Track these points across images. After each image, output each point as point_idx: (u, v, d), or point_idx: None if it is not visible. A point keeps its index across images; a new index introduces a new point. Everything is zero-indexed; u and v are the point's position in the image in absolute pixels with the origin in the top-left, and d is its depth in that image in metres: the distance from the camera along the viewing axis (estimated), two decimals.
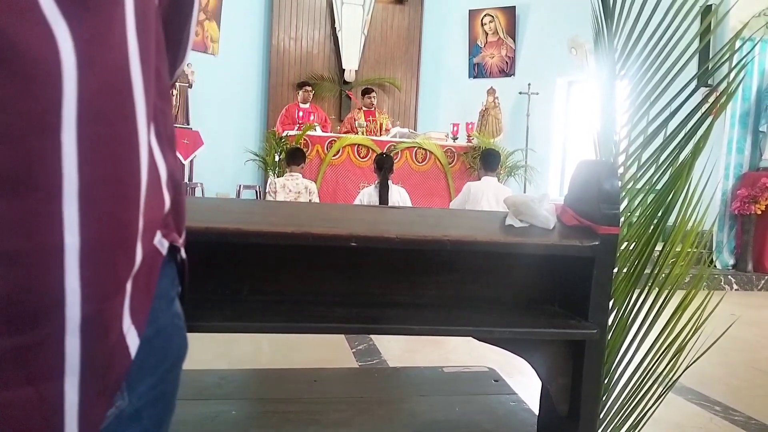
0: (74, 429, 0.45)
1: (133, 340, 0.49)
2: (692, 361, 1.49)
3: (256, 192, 8.20)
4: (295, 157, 5.32)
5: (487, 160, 5.15)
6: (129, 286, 0.48)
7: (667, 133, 1.56)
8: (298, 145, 6.08)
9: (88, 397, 0.45)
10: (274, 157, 6.67)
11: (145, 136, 0.48)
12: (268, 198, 5.23)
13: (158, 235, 0.53)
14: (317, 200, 5.36)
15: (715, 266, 5.99)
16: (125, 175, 0.46)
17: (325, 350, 3.12)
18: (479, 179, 5.08)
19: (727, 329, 1.67)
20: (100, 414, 0.47)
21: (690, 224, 1.53)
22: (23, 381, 0.42)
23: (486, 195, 4.87)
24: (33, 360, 0.42)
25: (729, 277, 5.74)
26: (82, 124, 0.42)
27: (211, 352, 2.97)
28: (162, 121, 0.53)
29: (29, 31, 0.39)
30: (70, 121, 0.41)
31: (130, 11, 0.46)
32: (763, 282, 5.82)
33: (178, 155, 7.26)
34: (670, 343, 1.52)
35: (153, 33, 0.50)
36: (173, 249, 0.57)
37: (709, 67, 1.57)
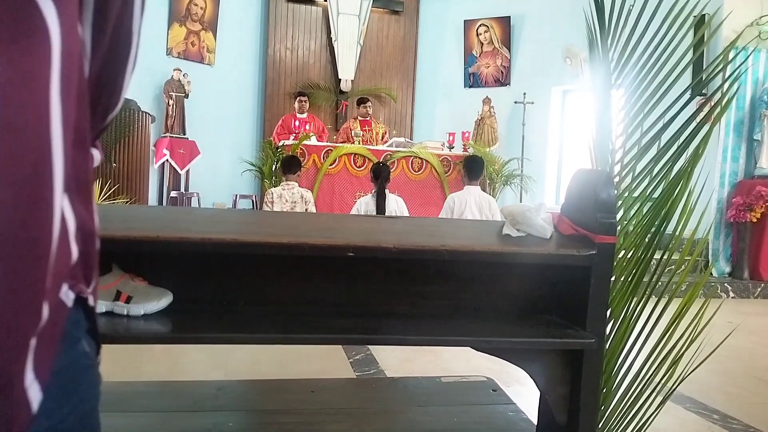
0: None
1: (35, 395, 0.49)
2: (691, 370, 1.49)
3: (253, 201, 8.19)
4: (290, 165, 5.32)
5: (471, 168, 5.08)
6: (33, 342, 0.48)
7: (663, 143, 1.57)
8: (294, 154, 6.09)
9: None
10: (271, 167, 6.68)
11: (60, 196, 0.48)
12: (266, 208, 5.22)
13: (64, 288, 0.53)
14: (314, 209, 5.35)
15: (711, 274, 6.00)
16: (38, 236, 0.46)
17: (322, 361, 3.11)
18: (463, 188, 5.05)
19: (726, 338, 1.67)
20: None
21: (686, 233, 1.53)
22: None
23: (469, 205, 4.84)
24: None
25: (725, 284, 5.75)
26: None
27: (207, 363, 2.95)
28: (73, 173, 0.52)
29: None
30: None
31: (56, 65, 0.46)
32: (759, 289, 5.83)
33: (175, 165, 7.31)
34: (668, 351, 1.52)
35: (75, 89, 0.50)
36: (80, 300, 0.56)
37: (703, 77, 1.58)
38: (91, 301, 0.58)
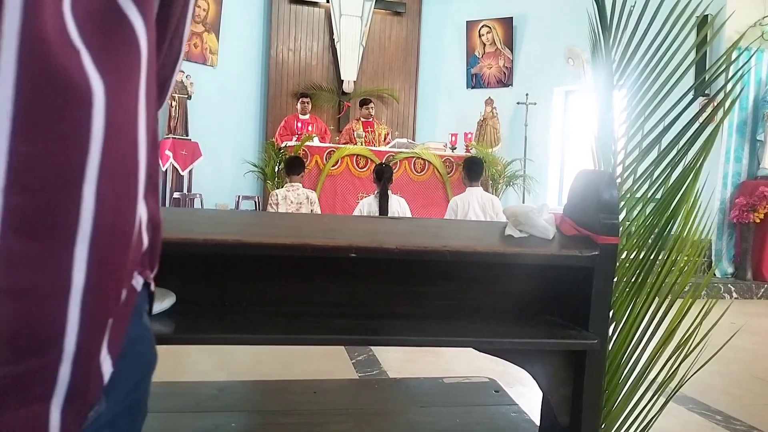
0: None
1: (107, 368, 0.54)
2: (695, 371, 1.48)
3: (255, 203, 8.20)
4: (294, 166, 5.32)
5: (471, 170, 5.08)
6: (110, 321, 0.53)
7: (666, 143, 1.57)
8: (297, 154, 6.09)
9: (67, 419, 0.50)
10: (273, 168, 6.68)
11: (143, 191, 0.55)
12: (270, 210, 5.22)
13: (135, 274, 0.59)
14: (319, 210, 5.35)
15: (714, 275, 5.99)
16: (126, 226, 0.52)
17: (324, 361, 3.11)
18: (465, 190, 5.05)
19: (730, 339, 1.67)
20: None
21: (690, 234, 1.53)
22: (19, 404, 0.46)
23: (472, 206, 4.84)
24: (30, 385, 0.47)
25: (729, 285, 5.74)
26: (101, 178, 0.48)
27: (209, 363, 2.95)
28: (147, 170, 0.58)
29: (78, 73, 0.45)
30: (92, 176, 0.47)
31: (143, 74, 0.52)
32: (762, 290, 5.82)
33: (177, 166, 7.33)
34: (671, 353, 1.52)
35: (154, 93, 0.56)
36: (145, 284, 0.63)
37: (706, 78, 1.58)
38: (152, 285, 0.65)
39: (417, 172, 6.95)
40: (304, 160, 5.92)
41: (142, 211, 0.57)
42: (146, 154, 0.54)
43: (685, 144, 1.53)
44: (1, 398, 0.45)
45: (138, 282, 0.60)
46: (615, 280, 1.44)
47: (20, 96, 0.43)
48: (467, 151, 7.37)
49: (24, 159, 0.43)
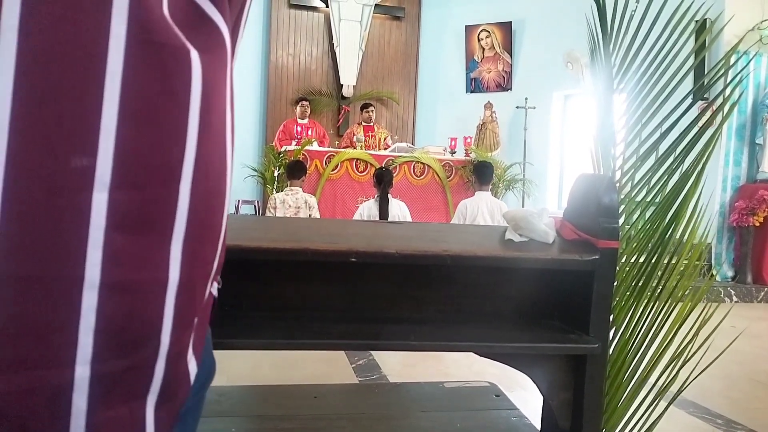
0: None
1: (193, 369, 0.55)
2: (696, 375, 1.48)
3: (255, 207, 8.20)
4: (295, 170, 5.33)
5: (482, 173, 5.16)
6: (195, 320, 0.54)
7: (665, 147, 1.57)
8: (298, 159, 6.10)
9: (161, 416, 0.51)
10: (273, 173, 6.68)
11: (229, 192, 0.56)
12: (268, 214, 5.23)
13: (213, 282, 0.60)
14: (317, 214, 5.35)
15: (714, 278, 5.99)
16: (216, 224, 0.54)
17: (324, 365, 3.11)
18: (474, 194, 5.08)
19: (732, 343, 1.67)
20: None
21: (690, 237, 1.53)
22: (121, 400, 0.47)
23: (481, 211, 4.87)
24: (131, 380, 0.48)
25: (729, 289, 5.73)
26: (195, 177, 0.49)
27: None
28: None
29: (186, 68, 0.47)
30: (187, 175, 0.48)
31: (229, 71, 0.54)
32: (762, 294, 5.81)
33: None
34: (672, 356, 1.52)
35: (233, 91, 0.58)
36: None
37: (705, 82, 1.58)
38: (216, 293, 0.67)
39: (416, 176, 6.95)
40: (305, 164, 5.93)
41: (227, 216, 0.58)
42: (232, 155, 0.56)
43: (684, 148, 1.54)
44: (107, 394, 0.46)
45: (215, 288, 0.61)
46: (615, 284, 1.43)
47: (126, 94, 0.43)
48: (467, 155, 7.38)
49: (129, 157, 0.44)
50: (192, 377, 0.55)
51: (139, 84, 0.44)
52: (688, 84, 1.59)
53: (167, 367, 0.50)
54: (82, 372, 0.44)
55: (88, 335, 0.44)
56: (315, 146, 6.90)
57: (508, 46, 9.09)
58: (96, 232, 0.44)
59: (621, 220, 1.47)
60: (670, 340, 1.53)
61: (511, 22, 9.01)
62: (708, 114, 1.52)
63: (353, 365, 3.13)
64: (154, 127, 0.45)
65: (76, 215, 0.43)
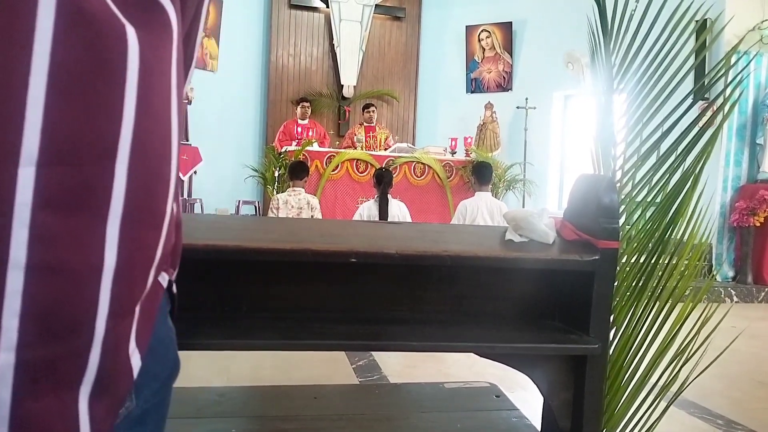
0: None
1: (136, 362, 0.52)
2: (696, 375, 1.48)
3: (256, 207, 8.20)
4: (297, 171, 5.34)
5: (481, 173, 5.18)
6: (137, 309, 0.51)
7: (666, 147, 1.57)
8: (301, 160, 6.10)
9: (96, 410, 0.48)
10: (273, 173, 6.68)
11: (174, 177, 0.53)
12: (271, 214, 5.24)
13: (161, 271, 0.57)
14: (319, 215, 5.36)
15: (715, 278, 5.99)
16: (157, 208, 0.51)
17: (324, 366, 3.11)
18: (474, 194, 5.09)
19: (732, 342, 1.66)
20: (107, 429, 0.49)
21: (691, 237, 1.53)
22: (49, 391, 0.44)
23: (481, 211, 4.88)
24: (61, 369, 0.45)
25: (729, 289, 5.73)
26: (133, 156, 0.46)
27: (209, 369, 2.95)
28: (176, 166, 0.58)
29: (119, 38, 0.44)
30: (123, 155, 0.46)
31: (174, 50, 0.51)
32: (763, 294, 5.81)
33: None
34: (672, 357, 1.52)
35: (183, 71, 0.55)
36: (169, 284, 0.62)
37: (706, 82, 1.58)
38: (174, 287, 0.64)
39: (417, 176, 6.95)
40: (307, 164, 5.93)
41: (173, 206, 0.56)
42: (177, 140, 0.53)
43: (684, 148, 1.53)
44: (34, 383, 0.43)
45: (164, 279, 0.58)
46: (615, 284, 1.43)
47: (56, 65, 0.41)
48: (467, 155, 7.38)
49: (58, 131, 0.42)
50: (135, 371, 0.52)
51: (69, 56, 0.42)
52: (689, 84, 1.59)
53: (103, 357, 0.47)
54: (6, 359, 0.42)
55: (12, 319, 0.42)
56: (315, 147, 6.91)
57: (509, 47, 9.09)
58: (22, 209, 0.41)
59: (621, 220, 1.47)
60: (671, 340, 1.53)
61: (511, 23, 9.01)
62: (708, 114, 1.51)
63: (353, 366, 3.13)
64: (86, 101, 0.43)
65: (1, 192, 0.41)
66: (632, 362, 1.53)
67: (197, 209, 7.62)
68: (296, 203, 5.17)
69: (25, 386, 0.42)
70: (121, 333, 0.49)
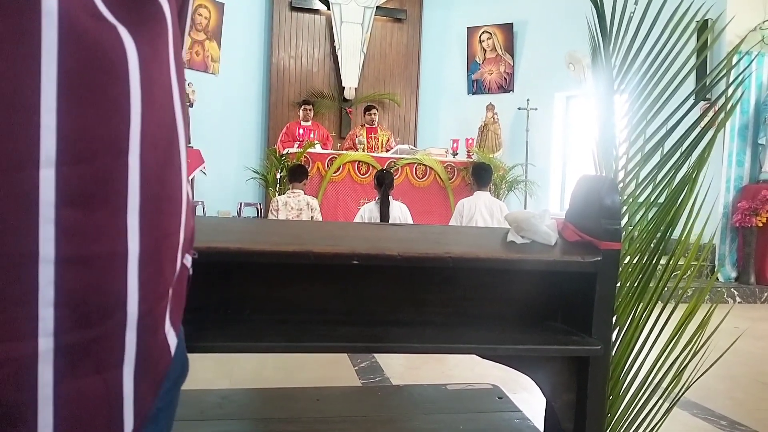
0: (130, 416, 0.51)
1: (172, 340, 0.56)
2: (698, 376, 1.48)
3: (258, 209, 8.20)
4: (296, 174, 5.34)
5: (480, 175, 5.20)
6: (170, 291, 0.55)
7: (668, 148, 1.57)
8: (300, 162, 6.11)
9: (140, 387, 0.52)
10: (275, 175, 6.69)
11: (184, 164, 0.56)
12: (271, 216, 5.24)
13: (186, 255, 0.61)
14: (319, 216, 5.36)
15: (717, 279, 5.98)
16: (172, 195, 0.54)
17: (327, 368, 3.11)
18: (472, 194, 5.11)
19: (734, 343, 1.66)
20: (149, 406, 0.54)
21: (693, 238, 1.53)
22: (92, 370, 0.48)
23: (479, 209, 4.89)
24: (100, 351, 0.49)
25: (732, 289, 5.72)
26: (144, 148, 0.49)
27: (212, 371, 2.95)
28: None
29: (111, 40, 0.47)
30: (134, 147, 0.49)
31: (170, 45, 0.54)
32: (766, 294, 5.80)
33: None
34: (675, 357, 1.52)
35: (182, 64, 0.58)
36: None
37: (707, 83, 1.58)
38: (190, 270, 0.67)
39: (418, 178, 6.95)
40: (307, 167, 5.94)
41: (189, 193, 0.59)
42: (184, 127, 0.56)
43: (686, 148, 1.53)
44: (74, 364, 0.47)
45: (188, 260, 0.62)
46: (618, 285, 1.43)
47: (63, 73, 0.44)
48: (468, 156, 7.38)
49: (72, 132, 0.45)
50: (172, 348, 0.56)
51: (74, 63, 0.45)
52: (690, 84, 1.59)
53: (140, 338, 0.51)
54: (46, 344, 0.45)
55: (48, 308, 0.45)
56: (317, 148, 6.91)
57: (510, 48, 9.09)
58: (46, 208, 0.44)
59: (623, 221, 1.47)
60: (673, 341, 1.52)
61: (512, 24, 9.02)
62: (710, 114, 1.51)
63: (356, 368, 3.13)
64: (94, 102, 0.46)
65: (24, 192, 0.44)
66: (635, 363, 1.53)
67: (199, 211, 7.63)
68: (296, 204, 5.17)
69: (65, 367, 0.46)
70: (156, 314, 0.53)
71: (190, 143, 7.41)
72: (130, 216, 0.49)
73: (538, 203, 8.01)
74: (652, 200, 1.58)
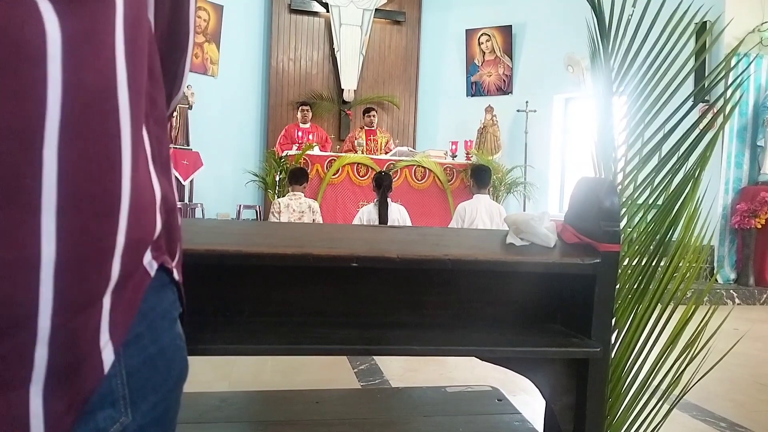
0: None
1: (108, 356, 0.49)
2: (698, 378, 1.48)
3: (256, 212, 8.20)
4: (297, 176, 5.34)
5: (479, 177, 5.20)
6: (107, 301, 0.48)
7: (667, 150, 1.57)
8: (300, 165, 6.11)
9: (54, 407, 0.45)
10: (274, 177, 6.69)
11: (129, 156, 0.48)
12: (272, 218, 5.24)
13: (148, 256, 0.54)
14: (321, 219, 5.36)
15: (717, 281, 5.98)
16: (103, 192, 0.47)
17: (326, 371, 3.10)
18: (472, 197, 5.11)
19: (734, 345, 1.66)
20: (68, 426, 0.47)
21: (692, 240, 1.53)
22: None
23: (479, 212, 4.89)
24: (2, 370, 0.42)
25: (731, 291, 5.72)
26: (63, 140, 0.42)
27: (211, 374, 2.95)
28: (157, 147, 0.54)
29: (21, 16, 0.40)
30: (51, 137, 0.42)
31: (119, 29, 0.47)
32: (765, 296, 5.80)
33: (178, 176, 7.33)
34: (674, 359, 1.51)
35: (145, 58, 0.51)
36: (166, 271, 0.57)
37: (706, 85, 1.58)
38: (176, 274, 0.60)
39: (417, 180, 6.95)
40: (307, 169, 5.94)
41: (155, 187, 0.53)
42: (131, 118, 0.48)
43: (685, 150, 1.53)
44: None
45: (152, 266, 0.54)
46: (617, 287, 1.43)
47: None
48: (468, 158, 7.38)
49: None
50: (107, 365, 0.49)
51: None
52: (689, 86, 1.59)
53: (54, 353, 0.44)
54: None
55: None
56: (316, 151, 6.91)
57: (509, 50, 9.10)
58: None
59: (622, 223, 1.47)
60: (673, 343, 1.52)
61: (511, 26, 9.03)
62: (709, 116, 1.51)
63: (355, 370, 3.12)
64: (2, 90, 0.40)
65: None
66: (634, 365, 1.53)
67: (198, 214, 7.62)
68: (297, 207, 5.17)
69: None
70: (78, 327, 0.46)
71: (188, 145, 7.44)
72: (45, 216, 0.42)
73: (537, 205, 8.02)
74: (651, 202, 1.58)
